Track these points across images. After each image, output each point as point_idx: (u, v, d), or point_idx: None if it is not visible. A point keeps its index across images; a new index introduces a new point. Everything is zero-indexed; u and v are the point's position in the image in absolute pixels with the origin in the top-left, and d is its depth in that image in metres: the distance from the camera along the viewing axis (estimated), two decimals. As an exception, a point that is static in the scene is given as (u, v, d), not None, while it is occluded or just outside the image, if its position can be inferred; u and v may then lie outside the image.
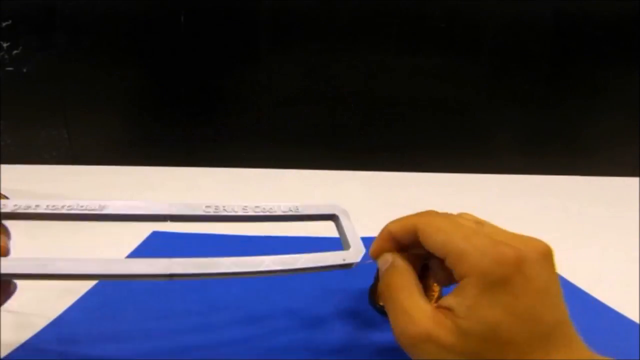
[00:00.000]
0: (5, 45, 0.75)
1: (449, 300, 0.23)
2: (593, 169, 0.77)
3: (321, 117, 0.80)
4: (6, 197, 0.61)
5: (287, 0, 0.74)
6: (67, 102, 0.79)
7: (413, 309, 0.24)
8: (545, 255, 0.24)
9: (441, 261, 0.25)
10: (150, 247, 0.48)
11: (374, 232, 0.48)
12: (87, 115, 0.80)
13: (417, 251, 0.27)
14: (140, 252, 0.47)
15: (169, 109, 0.80)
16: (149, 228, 0.52)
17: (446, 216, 0.27)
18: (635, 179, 0.73)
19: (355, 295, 0.39)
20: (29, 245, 0.49)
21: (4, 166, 0.74)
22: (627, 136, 0.79)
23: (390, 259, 0.27)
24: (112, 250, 0.47)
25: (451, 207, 0.68)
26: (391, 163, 0.78)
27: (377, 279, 0.39)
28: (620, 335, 0.35)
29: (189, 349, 0.32)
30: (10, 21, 0.74)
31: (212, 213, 0.30)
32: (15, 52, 0.76)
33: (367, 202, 0.64)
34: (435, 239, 0.25)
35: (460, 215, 0.28)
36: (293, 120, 0.80)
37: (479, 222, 0.27)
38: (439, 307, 0.24)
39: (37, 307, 0.37)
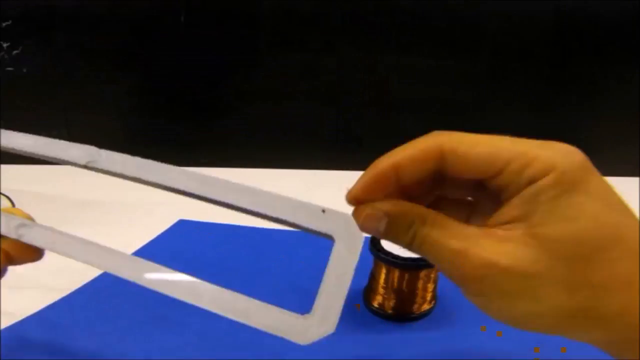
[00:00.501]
0: (5, 45, 0.75)
1: (509, 212, 0.19)
2: (593, 169, 0.77)
3: (321, 117, 0.80)
4: (7, 197, 0.61)
5: (287, 0, 0.74)
6: (67, 102, 0.79)
7: (458, 239, 0.19)
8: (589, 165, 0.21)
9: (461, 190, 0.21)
10: (175, 235, 0.49)
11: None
12: (87, 115, 0.80)
13: (424, 194, 0.22)
14: (165, 239, 0.48)
15: (169, 109, 0.80)
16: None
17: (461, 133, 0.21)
18: (635, 179, 0.73)
19: (349, 295, 0.39)
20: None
21: (3, 166, 0.74)
22: (627, 136, 0.79)
23: (382, 210, 0.21)
24: (138, 236, 0.47)
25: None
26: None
27: (371, 279, 0.39)
28: None
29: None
30: (10, 21, 0.74)
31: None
32: (15, 52, 0.76)
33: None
34: (480, 152, 0.20)
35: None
36: (293, 120, 0.80)
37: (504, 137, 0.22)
38: (491, 225, 0.20)
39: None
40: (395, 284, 0.36)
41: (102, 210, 0.60)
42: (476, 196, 0.22)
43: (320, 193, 0.70)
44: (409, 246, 0.20)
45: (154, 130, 0.81)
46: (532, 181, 0.19)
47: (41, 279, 0.41)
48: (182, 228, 0.52)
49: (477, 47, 0.76)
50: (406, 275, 0.36)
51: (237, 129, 0.81)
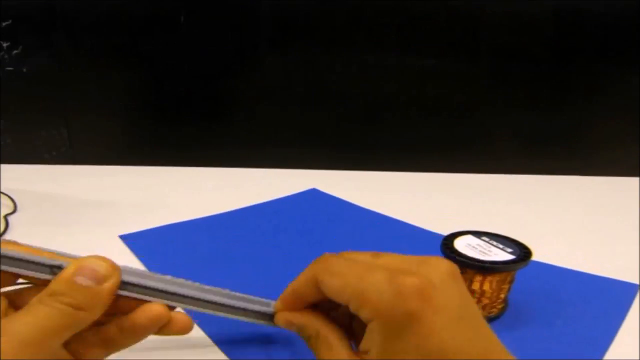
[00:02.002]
0: (5, 45, 0.75)
1: (364, 344, 0.22)
2: (593, 169, 0.77)
3: (321, 117, 0.80)
4: (9, 197, 0.60)
5: (287, 0, 0.74)
6: (67, 102, 0.79)
7: (333, 355, 0.23)
8: (452, 274, 0.21)
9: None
10: (305, 200, 0.54)
11: (372, 232, 0.48)
12: (87, 116, 0.80)
13: (328, 304, 0.25)
14: (292, 200, 0.57)
15: (169, 109, 0.80)
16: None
17: (340, 256, 0.24)
18: (635, 179, 0.73)
19: None
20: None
21: (4, 166, 0.74)
22: (627, 136, 0.79)
23: (290, 320, 0.26)
24: (104, 255, 0.47)
25: (450, 207, 0.68)
26: (391, 163, 0.78)
27: None
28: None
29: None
30: (10, 21, 0.74)
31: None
32: (15, 52, 0.76)
33: (366, 203, 0.64)
34: (333, 285, 0.22)
35: (356, 252, 0.25)
36: (293, 120, 0.80)
37: (375, 255, 0.24)
38: (359, 350, 0.22)
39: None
40: (469, 286, 0.35)
41: (103, 210, 0.60)
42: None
43: (320, 193, 0.70)
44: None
45: (154, 130, 0.81)
46: (367, 321, 0.21)
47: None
48: (313, 196, 0.58)
49: (477, 47, 0.76)
50: (480, 277, 0.35)
51: (237, 129, 0.81)
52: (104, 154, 0.82)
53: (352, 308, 0.22)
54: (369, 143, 0.81)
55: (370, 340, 0.21)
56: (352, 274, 0.22)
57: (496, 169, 0.78)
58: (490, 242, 0.37)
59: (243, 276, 0.42)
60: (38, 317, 0.21)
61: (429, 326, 0.19)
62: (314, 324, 0.25)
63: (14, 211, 0.58)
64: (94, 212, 0.59)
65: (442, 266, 0.21)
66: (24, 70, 0.77)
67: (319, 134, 0.81)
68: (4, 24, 0.74)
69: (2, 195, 0.61)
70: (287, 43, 0.77)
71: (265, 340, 0.32)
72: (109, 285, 0.23)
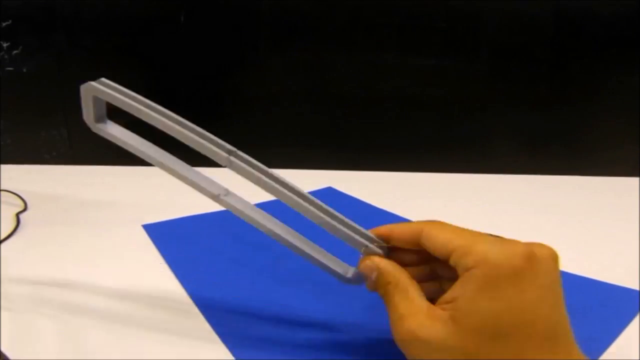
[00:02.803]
0: (5, 45, 0.75)
1: (450, 293, 0.23)
2: (593, 169, 0.77)
3: (321, 117, 0.80)
4: (19, 196, 0.61)
5: (287, 0, 0.74)
6: (67, 102, 0.79)
7: (406, 307, 0.24)
8: (554, 257, 0.24)
9: (441, 265, 0.26)
10: (322, 198, 0.52)
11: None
12: (87, 115, 0.80)
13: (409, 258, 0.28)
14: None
15: (169, 109, 0.80)
16: (140, 233, 0.52)
17: (451, 224, 0.27)
18: (635, 179, 0.73)
19: None
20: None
21: (3, 166, 0.74)
22: (627, 136, 0.79)
23: (376, 265, 0.27)
24: (104, 255, 0.47)
25: (450, 207, 0.68)
26: (391, 163, 0.78)
27: None
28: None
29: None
30: (10, 21, 0.74)
31: None
32: (15, 52, 0.76)
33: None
34: (441, 237, 0.25)
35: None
36: (293, 120, 0.80)
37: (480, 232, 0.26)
38: (440, 302, 0.24)
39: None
40: None
41: (105, 211, 0.60)
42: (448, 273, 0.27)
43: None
44: (382, 297, 0.26)
45: (154, 131, 0.81)
46: (466, 269, 0.23)
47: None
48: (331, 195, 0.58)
49: (477, 47, 0.76)
50: None
51: (237, 128, 0.81)
52: (104, 154, 0.82)
53: (456, 256, 0.23)
54: (369, 143, 0.81)
55: (461, 288, 0.22)
56: (464, 232, 0.25)
57: (496, 169, 0.78)
58: None
59: (262, 269, 0.42)
60: None
61: (528, 285, 0.21)
62: (397, 272, 0.26)
63: (25, 209, 0.58)
64: (98, 212, 0.59)
65: (548, 248, 0.23)
66: (24, 70, 0.77)
67: (318, 134, 0.81)
68: (4, 24, 0.74)
69: (11, 194, 0.62)
70: (287, 43, 0.77)
71: (270, 339, 0.32)
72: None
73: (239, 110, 0.81)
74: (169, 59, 0.78)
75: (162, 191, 0.68)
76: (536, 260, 0.22)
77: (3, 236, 0.50)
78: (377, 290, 0.27)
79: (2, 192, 0.62)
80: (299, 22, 0.76)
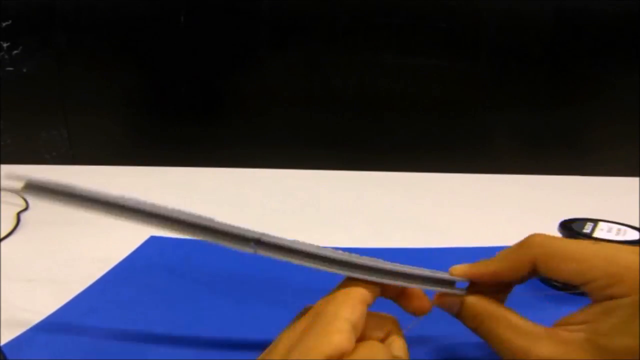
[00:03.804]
0: (5, 45, 0.75)
1: (581, 316, 0.22)
2: (593, 169, 0.77)
3: (321, 117, 0.80)
4: (22, 197, 0.61)
5: (288, 0, 0.74)
6: (67, 102, 0.79)
7: (521, 336, 0.23)
8: None
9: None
10: (147, 253, 0.47)
11: (373, 232, 0.48)
12: (87, 115, 0.80)
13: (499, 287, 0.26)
14: (137, 256, 0.46)
15: (169, 109, 0.80)
16: (140, 233, 0.51)
17: (554, 238, 0.25)
18: (635, 179, 0.72)
19: None
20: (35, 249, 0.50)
21: (4, 166, 0.74)
22: (627, 136, 0.79)
23: (454, 302, 0.26)
24: (104, 255, 0.47)
25: (450, 207, 0.68)
26: (391, 163, 0.78)
27: None
28: None
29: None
30: (10, 21, 0.74)
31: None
32: (15, 52, 0.76)
33: (366, 203, 0.64)
34: (569, 268, 0.23)
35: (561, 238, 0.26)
36: (293, 120, 0.80)
37: (589, 240, 0.25)
38: (561, 324, 0.23)
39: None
40: None
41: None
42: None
43: (320, 193, 0.70)
44: (473, 330, 0.25)
45: (154, 130, 0.81)
46: (612, 297, 0.21)
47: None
48: (154, 245, 0.50)
49: (477, 47, 0.76)
50: None
51: (237, 128, 0.81)
52: (104, 154, 0.82)
53: (597, 285, 0.22)
54: (369, 143, 0.81)
55: (608, 313, 0.21)
56: (597, 257, 0.23)
57: (496, 169, 0.78)
58: (611, 226, 0.40)
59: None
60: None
61: None
62: (481, 303, 0.25)
63: (26, 208, 0.58)
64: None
65: None
66: (24, 70, 0.77)
67: (318, 134, 0.81)
68: (4, 24, 0.74)
69: (13, 193, 0.62)
70: (287, 43, 0.77)
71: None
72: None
73: (238, 110, 0.81)
74: (169, 59, 0.78)
75: (162, 191, 0.68)
76: None
77: (3, 235, 0.50)
78: (465, 323, 0.25)
79: (3, 192, 0.62)
80: (299, 22, 0.76)
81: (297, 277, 0.38)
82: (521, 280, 0.25)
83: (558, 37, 0.75)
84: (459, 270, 0.26)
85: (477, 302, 0.25)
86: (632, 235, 0.38)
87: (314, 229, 0.55)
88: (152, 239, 0.50)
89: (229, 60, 0.77)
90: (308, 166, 0.78)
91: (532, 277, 0.25)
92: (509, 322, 0.24)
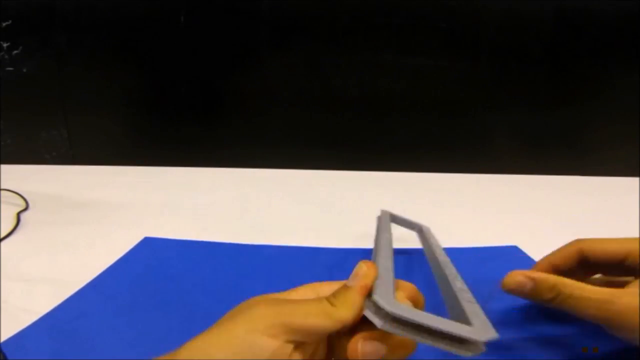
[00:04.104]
0: (5, 45, 0.75)
1: (635, 282, 0.28)
2: (593, 169, 0.77)
3: (321, 117, 0.80)
4: (20, 195, 0.61)
5: (288, 0, 0.74)
6: (67, 102, 0.79)
7: (600, 293, 0.28)
8: None
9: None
10: (141, 254, 0.47)
11: (372, 232, 0.48)
12: (87, 115, 0.80)
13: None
14: (130, 258, 0.46)
15: (169, 109, 0.80)
16: (140, 233, 0.51)
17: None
18: (635, 179, 0.72)
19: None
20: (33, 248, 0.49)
21: (3, 166, 0.74)
22: (627, 136, 0.79)
23: (528, 275, 0.30)
24: (104, 255, 0.47)
25: (451, 207, 0.68)
26: (391, 163, 0.78)
27: None
28: None
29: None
30: (10, 21, 0.74)
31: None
32: (15, 52, 0.76)
33: (366, 203, 0.64)
34: (610, 246, 0.31)
35: None
36: (293, 120, 0.80)
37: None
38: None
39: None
40: None
41: (107, 210, 0.60)
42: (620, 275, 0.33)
43: (320, 193, 0.70)
44: (551, 301, 0.29)
45: (154, 130, 0.81)
46: None
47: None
48: (148, 246, 0.49)
49: (477, 47, 0.76)
50: None
51: (237, 129, 0.81)
52: (104, 154, 0.82)
53: (633, 255, 0.30)
54: (369, 143, 0.81)
55: None
56: (623, 239, 0.31)
57: (496, 169, 0.78)
58: None
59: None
60: (310, 301, 0.24)
61: None
62: (553, 276, 0.30)
63: (26, 208, 0.58)
64: (98, 212, 0.59)
65: None
66: (24, 70, 0.77)
67: (318, 134, 0.81)
68: (4, 24, 0.74)
69: (13, 193, 0.62)
70: (287, 43, 0.77)
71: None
72: (358, 283, 0.24)
73: (238, 110, 0.81)
74: (169, 59, 0.78)
75: (162, 191, 0.68)
76: None
77: (3, 235, 0.50)
78: (541, 297, 0.30)
79: (4, 192, 0.62)
80: (299, 22, 0.76)
81: (291, 279, 0.38)
82: (571, 269, 0.32)
83: (558, 37, 0.75)
84: (518, 276, 0.31)
85: (549, 276, 0.30)
86: None
87: (314, 229, 0.55)
88: (146, 240, 0.50)
89: (229, 60, 0.77)
90: (308, 166, 0.78)
91: (580, 266, 0.32)
92: (584, 286, 0.29)
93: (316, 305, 0.23)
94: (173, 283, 0.41)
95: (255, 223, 0.57)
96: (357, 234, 0.53)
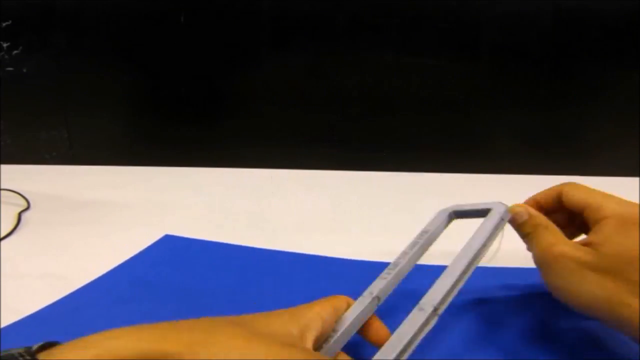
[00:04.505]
0: (5, 45, 0.75)
1: (586, 239, 0.30)
2: (593, 169, 0.77)
3: (321, 117, 0.80)
4: (21, 195, 0.61)
5: (287, 0, 0.74)
6: (67, 102, 0.79)
7: (556, 239, 0.31)
8: None
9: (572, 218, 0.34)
10: (161, 251, 0.47)
11: (373, 232, 0.48)
12: (87, 115, 0.80)
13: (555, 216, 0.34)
14: (148, 254, 0.46)
15: (169, 109, 0.80)
16: (140, 233, 0.51)
17: (584, 185, 0.34)
18: (635, 179, 0.72)
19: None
20: (38, 245, 0.50)
21: (3, 166, 0.74)
22: (627, 136, 0.79)
23: (526, 210, 0.34)
24: (104, 255, 0.47)
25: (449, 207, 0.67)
26: (391, 163, 0.78)
27: None
28: None
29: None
30: (10, 21, 0.74)
31: None
32: (15, 52, 0.76)
33: (366, 203, 0.64)
34: (579, 195, 0.33)
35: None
36: (293, 120, 0.80)
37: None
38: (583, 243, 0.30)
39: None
40: None
41: (108, 211, 0.60)
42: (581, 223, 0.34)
43: (320, 193, 0.70)
44: (526, 235, 0.33)
45: (154, 130, 0.81)
46: (601, 219, 0.30)
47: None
48: (169, 244, 0.49)
49: (477, 47, 0.76)
50: None
51: (237, 129, 0.81)
52: (104, 154, 0.82)
53: (590, 210, 0.31)
54: (369, 143, 0.81)
55: (596, 233, 0.30)
56: (597, 192, 0.33)
57: (496, 169, 0.78)
58: None
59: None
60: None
61: None
62: (544, 217, 0.33)
63: (27, 208, 0.58)
64: (98, 212, 0.59)
65: (635, 207, 0.31)
66: (24, 70, 0.77)
67: (318, 134, 0.81)
68: (4, 24, 0.74)
69: (14, 193, 0.62)
70: (287, 43, 0.77)
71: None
72: None
73: (238, 110, 0.81)
74: (169, 59, 0.78)
75: (162, 191, 0.68)
76: None
77: (3, 234, 0.50)
78: (523, 230, 0.33)
79: (5, 192, 0.62)
80: (300, 22, 0.76)
81: (301, 288, 0.39)
82: (555, 207, 0.35)
83: (558, 37, 0.75)
84: (519, 207, 0.35)
85: (539, 215, 0.33)
86: None
87: (314, 229, 0.55)
88: (167, 237, 0.50)
89: (229, 60, 0.77)
90: (308, 166, 0.78)
91: (559, 206, 0.35)
92: (554, 229, 0.32)
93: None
94: (188, 279, 0.41)
95: (255, 223, 0.57)
96: (357, 234, 0.53)
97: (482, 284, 0.38)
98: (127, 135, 0.82)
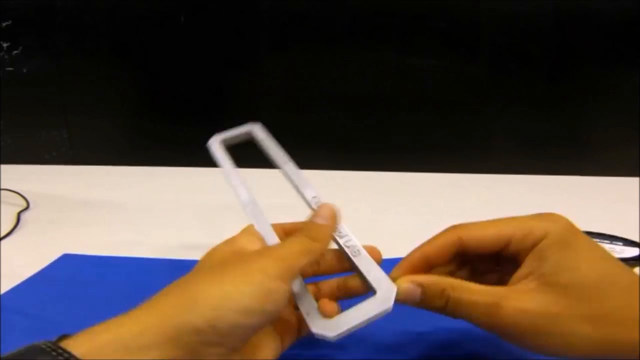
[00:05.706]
0: (5, 45, 0.75)
1: (522, 271, 0.25)
2: (593, 169, 0.77)
3: (321, 117, 0.80)
4: (21, 195, 0.61)
5: (287, 0, 0.74)
6: (67, 102, 0.79)
7: (489, 296, 0.24)
8: (573, 224, 0.26)
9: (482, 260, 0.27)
10: (59, 270, 0.44)
11: (373, 233, 0.48)
12: (87, 115, 0.80)
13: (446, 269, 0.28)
14: (46, 273, 0.43)
15: (169, 109, 0.80)
16: (140, 233, 0.51)
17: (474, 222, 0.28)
18: (635, 179, 0.72)
19: None
20: None
21: (3, 166, 0.74)
22: (627, 136, 0.79)
23: (417, 281, 0.26)
24: (110, 254, 0.47)
25: (450, 207, 0.68)
26: (391, 163, 0.78)
27: None
28: None
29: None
30: (10, 21, 0.74)
31: None
32: (15, 52, 0.76)
33: (366, 203, 0.64)
34: (487, 233, 0.26)
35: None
36: (293, 120, 0.80)
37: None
38: (511, 283, 0.25)
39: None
40: None
41: (108, 210, 0.60)
42: (494, 267, 0.28)
43: (320, 193, 0.70)
44: (443, 309, 0.25)
45: (154, 130, 0.81)
46: (535, 245, 0.25)
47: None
48: (66, 262, 0.46)
49: (477, 47, 0.76)
50: None
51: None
52: (104, 154, 0.82)
53: (516, 239, 0.25)
54: (369, 143, 0.81)
55: (536, 260, 0.24)
56: (500, 222, 0.27)
57: (496, 169, 0.78)
58: (602, 241, 0.38)
59: None
60: (288, 243, 0.27)
61: (587, 240, 0.25)
62: (442, 279, 0.26)
63: (27, 208, 0.58)
64: (99, 212, 0.59)
65: (564, 218, 0.26)
66: (24, 70, 0.77)
67: (319, 134, 0.81)
68: (4, 24, 0.74)
69: (14, 193, 0.62)
70: (287, 43, 0.77)
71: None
72: (333, 223, 0.30)
73: (239, 111, 0.81)
74: (169, 59, 0.77)
75: (163, 191, 0.68)
76: (577, 230, 0.25)
77: (3, 234, 0.50)
78: (431, 305, 0.25)
79: (5, 192, 0.62)
80: (300, 22, 0.76)
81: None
82: (449, 259, 0.27)
83: (558, 37, 0.75)
84: (404, 283, 0.26)
85: (438, 279, 0.26)
86: (631, 252, 0.36)
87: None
88: (65, 257, 0.47)
89: (229, 61, 0.77)
90: (308, 166, 0.78)
91: (458, 255, 0.27)
92: (473, 287, 0.25)
93: (300, 244, 0.26)
94: (92, 297, 0.39)
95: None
96: (357, 234, 0.53)
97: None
98: (127, 135, 0.82)
